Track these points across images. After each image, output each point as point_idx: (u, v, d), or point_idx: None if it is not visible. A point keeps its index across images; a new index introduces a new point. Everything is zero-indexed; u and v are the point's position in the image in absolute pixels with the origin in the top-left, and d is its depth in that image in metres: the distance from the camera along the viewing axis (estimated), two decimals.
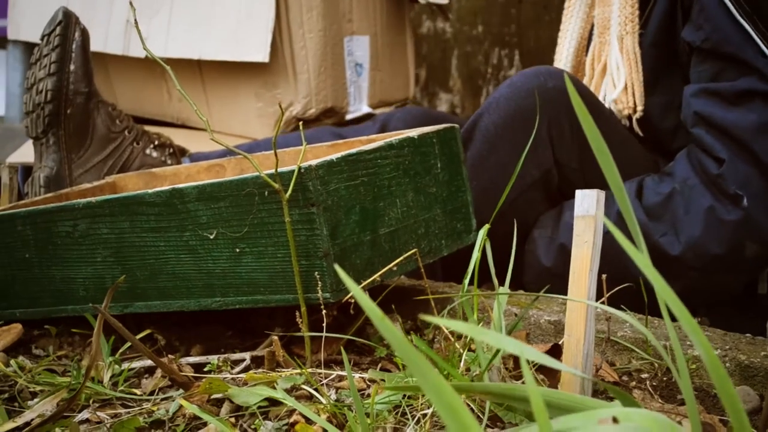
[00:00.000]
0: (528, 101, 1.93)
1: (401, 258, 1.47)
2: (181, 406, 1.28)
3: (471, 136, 1.97)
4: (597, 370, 1.37)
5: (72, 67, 2.09)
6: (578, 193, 1.18)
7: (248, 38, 2.39)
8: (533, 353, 0.77)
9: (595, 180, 1.94)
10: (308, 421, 1.19)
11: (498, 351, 1.18)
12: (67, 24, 2.10)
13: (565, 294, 1.17)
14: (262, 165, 1.65)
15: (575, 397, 0.91)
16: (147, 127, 2.30)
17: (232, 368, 1.45)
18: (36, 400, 1.36)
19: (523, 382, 1.24)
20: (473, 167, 1.94)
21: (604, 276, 1.41)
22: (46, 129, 2.08)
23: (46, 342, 1.68)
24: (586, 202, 1.17)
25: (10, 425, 1.26)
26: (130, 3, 1.54)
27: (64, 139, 2.09)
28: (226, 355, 1.49)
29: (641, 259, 0.72)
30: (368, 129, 2.27)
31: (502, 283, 1.34)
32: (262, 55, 2.36)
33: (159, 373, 1.42)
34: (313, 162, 1.35)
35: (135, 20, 1.44)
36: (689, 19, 1.88)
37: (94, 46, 2.44)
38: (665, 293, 0.71)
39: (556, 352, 1.39)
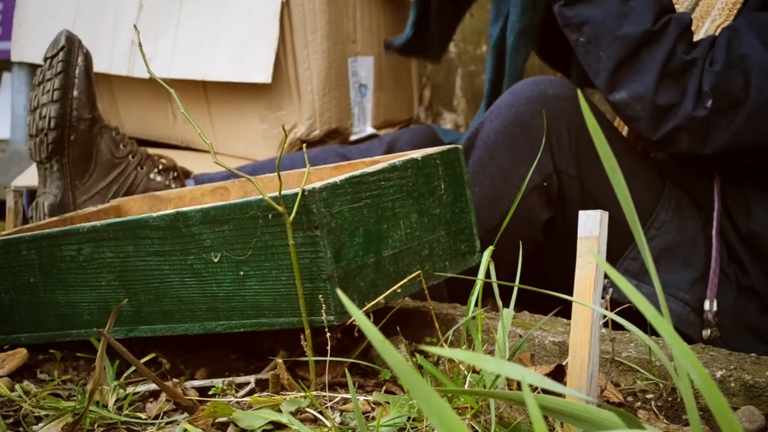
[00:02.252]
0: (528, 107, 1.94)
1: (405, 280, 1.47)
2: (185, 430, 1.28)
3: (473, 143, 1.99)
4: (602, 391, 1.36)
5: (75, 94, 2.09)
6: (581, 213, 1.18)
7: (252, 59, 2.39)
8: (535, 377, 0.76)
9: (593, 189, 1.95)
10: None
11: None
12: (69, 49, 2.10)
13: None
14: (266, 187, 1.65)
15: (580, 405, 0.91)
16: (151, 150, 2.30)
17: (237, 391, 1.45)
18: (41, 424, 1.36)
19: None
20: (475, 174, 1.95)
21: (608, 297, 1.41)
22: (50, 155, 2.08)
23: (50, 366, 1.68)
24: (590, 223, 1.17)
25: None
26: (134, 26, 1.55)
27: (68, 165, 2.09)
28: (230, 379, 1.49)
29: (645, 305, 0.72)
30: (374, 149, 2.28)
31: (507, 300, 1.34)
32: (264, 76, 2.37)
33: (164, 396, 1.42)
34: (317, 184, 1.35)
35: (140, 43, 1.44)
36: None
37: (99, 67, 2.45)
38: (654, 320, 0.71)
39: (559, 373, 1.39)
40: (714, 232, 1.96)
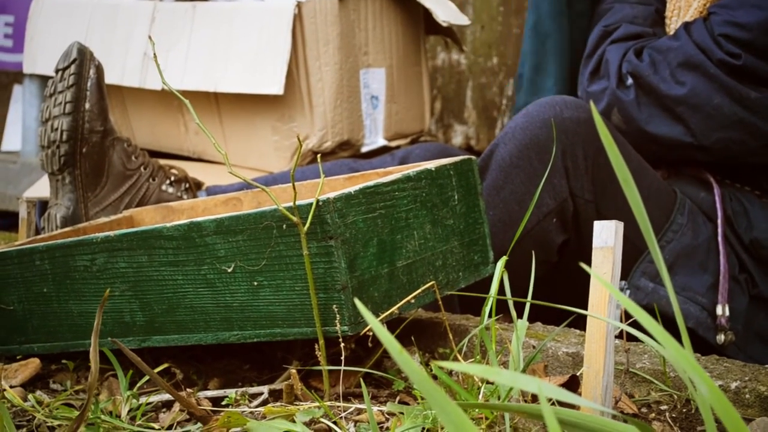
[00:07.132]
0: (543, 131, 1.92)
1: (419, 290, 1.47)
2: None
3: (487, 165, 1.97)
4: (616, 402, 1.36)
5: (87, 106, 2.08)
6: (596, 224, 1.18)
7: (264, 71, 2.39)
8: (551, 390, 0.76)
9: (608, 212, 1.94)
10: None
11: None
12: (81, 61, 2.09)
13: None
14: (279, 198, 1.65)
15: (595, 418, 0.91)
16: (163, 161, 2.30)
17: (251, 402, 1.45)
18: None
19: None
20: (489, 197, 1.94)
21: (622, 308, 1.40)
22: (62, 167, 2.08)
23: (63, 376, 1.68)
24: (605, 234, 1.17)
25: None
26: (149, 36, 1.55)
27: (80, 178, 2.09)
28: (244, 389, 1.49)
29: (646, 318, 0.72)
30: (386, 164, 2.27)
31: (519, 314, 1.33)
32: (276, 88, 2.37)
33: (177, 407, 1.42)
34: (331, 195, 1.35)
35: (154, 54, 1.45)
36: None
37: (111, 78, 2.45)
38: (664, 339, 0.71)
39: (574, 383, 1.39)
40: (720, 239, 1.97)
